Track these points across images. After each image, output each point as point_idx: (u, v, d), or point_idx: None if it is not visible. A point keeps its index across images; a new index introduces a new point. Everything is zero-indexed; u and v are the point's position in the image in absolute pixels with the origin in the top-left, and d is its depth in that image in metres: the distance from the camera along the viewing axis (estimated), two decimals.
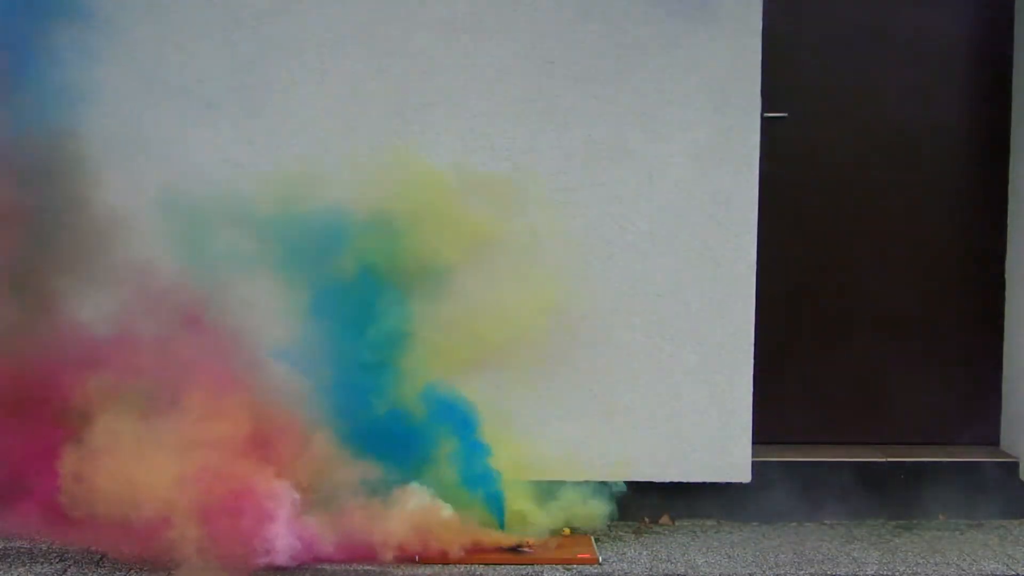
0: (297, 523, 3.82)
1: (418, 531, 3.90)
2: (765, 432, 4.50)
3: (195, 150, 4.21)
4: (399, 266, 4.19)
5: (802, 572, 3.93)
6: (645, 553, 4.10)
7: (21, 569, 3.81)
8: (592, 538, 4.17)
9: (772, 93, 4.47)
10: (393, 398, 4.14)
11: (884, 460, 4.54)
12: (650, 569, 3.93)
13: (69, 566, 3.85)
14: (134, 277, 4.09)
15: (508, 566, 3.92)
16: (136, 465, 3.74)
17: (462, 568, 3.89)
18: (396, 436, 4.08)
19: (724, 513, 4.46)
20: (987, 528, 4.45)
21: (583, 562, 3.97)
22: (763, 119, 4.37)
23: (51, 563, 3.87)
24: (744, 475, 4.38)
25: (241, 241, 4.15)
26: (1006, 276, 4.71)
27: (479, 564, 3.92)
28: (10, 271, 4.07)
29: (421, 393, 4.12)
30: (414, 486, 4.00)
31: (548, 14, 4.26)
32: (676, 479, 4.35)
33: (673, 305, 4.33)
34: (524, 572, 3.89)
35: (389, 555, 3.87)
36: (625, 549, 4.13)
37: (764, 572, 3.93)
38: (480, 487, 4.04)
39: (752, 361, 4.35)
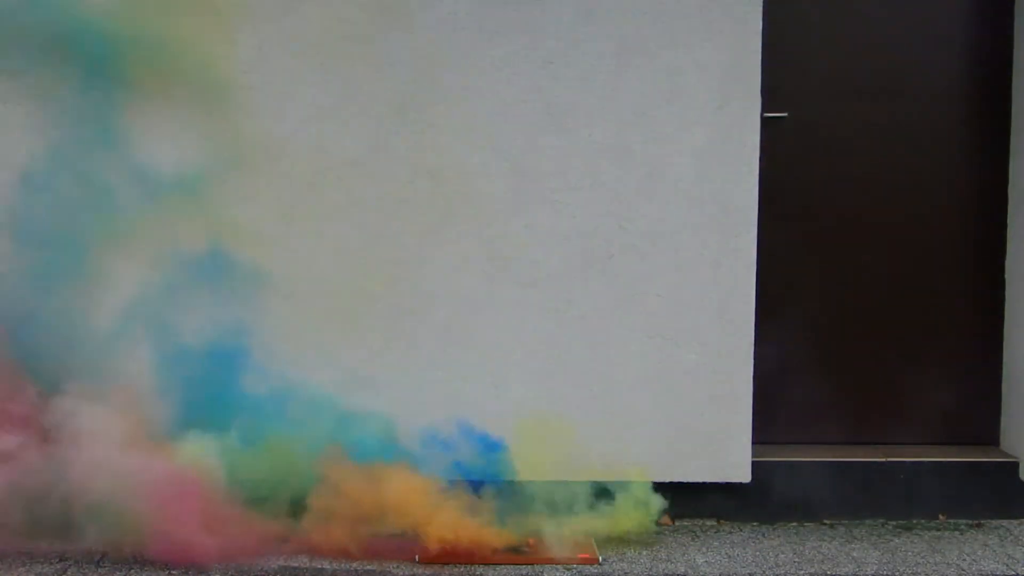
0: None
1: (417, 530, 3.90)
2: (765, 432, 4.50)
3: None
4: None
5: (802, 572, 3.93)
6: (645, 553, 4.09)
7: (21, 569, 3.81)
8: (592, 538, 4.18)
9: (772, 93, 4.47)
10: None
11: (884, 460, 4.54)
12: (650, 569, 3.93)
13: (69, 566, 3.85)
14: None
15: (508, 566, 3.92)
16: None
17: (462, 568, 3.89)
18: None
19: (724, 513, 4.46)
20: (987, 528, 4.45)
21: (583, 562, 3.97)
22: (763, 119, 4.37)
23: (51, 563, 3.87)
24: (744, 475, 4.38)
25: None
26: (1006, 276, 4.71)
27: (479, 564, 3.92)
28: None
29: None
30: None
31: (548, 14, 4.26)
32: (676, 479, 4.35)
33: (673, 305, 4.33)
34: (524, 572, 3.89)
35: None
36: (625, 549, 4.13)
37: (764, 572, 3.92)
38: None
39: (752, 361, 4.35)
